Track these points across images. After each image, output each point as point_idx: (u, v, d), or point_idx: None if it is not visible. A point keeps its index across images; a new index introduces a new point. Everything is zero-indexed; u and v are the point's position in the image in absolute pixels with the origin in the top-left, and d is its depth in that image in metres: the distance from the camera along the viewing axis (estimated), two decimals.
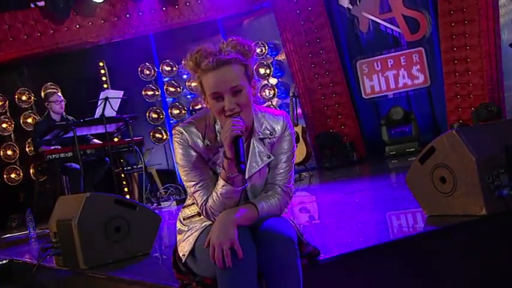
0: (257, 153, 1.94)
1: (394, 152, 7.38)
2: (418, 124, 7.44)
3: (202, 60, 1.85)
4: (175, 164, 8.30)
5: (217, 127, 1.92)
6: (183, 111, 8.25)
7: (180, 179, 8.07)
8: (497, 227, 2.33)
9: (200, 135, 1.92)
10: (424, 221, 2.64)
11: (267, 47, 8.11)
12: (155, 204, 5.97)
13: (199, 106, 8.09)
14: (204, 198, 1.91)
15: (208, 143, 1.91)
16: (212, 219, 1.91)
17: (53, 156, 5.57)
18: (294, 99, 7.13)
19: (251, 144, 1.94)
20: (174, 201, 5.97)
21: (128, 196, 6.84)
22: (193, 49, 1.90)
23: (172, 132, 1.99)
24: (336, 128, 7.85)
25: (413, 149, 7.25)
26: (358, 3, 7.84)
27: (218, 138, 1.91)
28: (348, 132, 7.84)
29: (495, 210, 2.30)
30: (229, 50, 1.85)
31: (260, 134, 1.95)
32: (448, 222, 2.44)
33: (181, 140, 1.92)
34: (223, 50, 1.85)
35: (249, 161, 1.92)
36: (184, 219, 2.05)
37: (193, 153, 1.91)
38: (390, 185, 5.10)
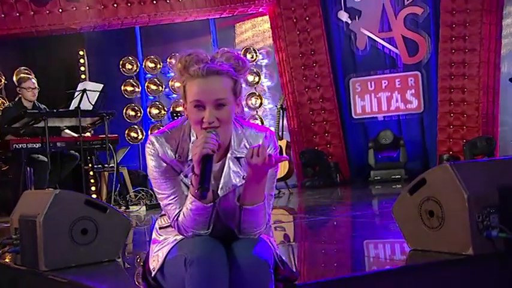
0: (231, 174, 1.92)
1: (379, 177, 7.47)
2: (407, 151, 7.55)
3: (192, 65, 1.84)
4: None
5: (192, 138, 1.92)
6: (163, 112, 8.23)
7: (152, 184, 8.02)
8: (482, 268, 2.37)
9: (172, 146, 1.92)
10: (406, 255, 2.68)
11: (258, 54, 8.16)
12: (123, 208, 5.92)
13: (181, 108, 8.09)
14: (175, 212, 1.91)
15: (180, 155, 1.91)
16: (184, 234, 1.91)
17: (20, 145, 5.50)
18: (281, 111, 7.18)
19: (225, 164, 1.93)
20: (144, 206, 5.92)
21: (94, 196, 6.78)
22: (185, 51, 1.90)
23: (147, 142, 1.97)
24: (322, 146, 7.92)
25: (399, 177, 7.36)
26: (357, 18, 7.95)
27: (191, 151, 1.90)
28: (333, 152, 7.91)
29: (482, 251, 2.33)
30: (222, 60, 1.85)
31: (236, 152, 1.94)
32: (431, 258, 2.47)
33: (152, 151, 1.92)
34: (216, 59, 1.86)
35: (222, 181, 1.92)
36: (160, 228, 2.05)
37: (164, 165, 1.91)
38: (372, 212, 5.15)
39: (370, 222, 4.27)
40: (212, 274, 1.78)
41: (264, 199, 1.88)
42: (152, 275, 1.98)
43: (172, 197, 1.92)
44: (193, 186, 1.84)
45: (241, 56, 1.93)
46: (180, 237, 1.95)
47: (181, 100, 1.95)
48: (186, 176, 1.92)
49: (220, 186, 1.92)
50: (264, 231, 1.97)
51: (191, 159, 1.90)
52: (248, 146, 1.94)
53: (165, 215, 2.04)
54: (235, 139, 1.95)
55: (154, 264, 1.98)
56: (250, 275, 1.80)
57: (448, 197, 2.41)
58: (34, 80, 6.00)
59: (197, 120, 1.85)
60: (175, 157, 1.92)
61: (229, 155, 1.94)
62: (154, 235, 2.07)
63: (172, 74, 8.30)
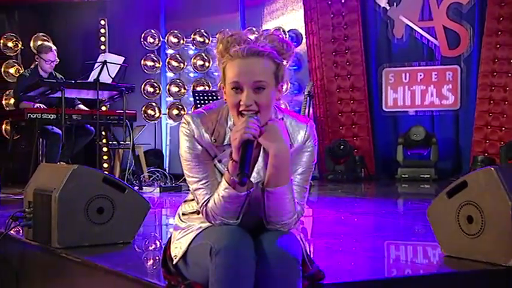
0: (264, 161, 1.92)
1: (406, 176, 7.41)
2: (438, 149, 7.47)
3: (233, 46, 1.84)
4: (164, 146, 8.31)
5: (229, 123, 1.92)
6: (183, 90, 8.25)
7: (167, 165, 8.08)
8: None
9: (208, 128, 1.92)
10: (437, 261, 2.67)
11: (287, 35, 8.10)
12: (136, 188, 5.96)
13: (201, 88, 8.10)
14: (205, 198, 1.91)
15: (216, 138, 1.92)
16: (212, 221, 1.91)
17: (34, 115, 5.55)
18: (308, 98, 7.14)
19: (261, 152, 1.92)
20: (158, 188, 5.96)
21: (106, 173, 6.83)
22: (227, 32, 1.89)
23: (182, 121, 1.97)
24: (348, 138, 7.87)
25: (428, 176, 7.30)
26: (396, 4, 7.85)
27: (227, 135, 1.91)
28: (359, 145, 7.87)
29: None
30: (265, 42, 1.85)
31: None
32: (466, 267, 2.45)
33: (187, 131, 1.92)
34: (258, 40, 1.86)
35: (255, 169, 1.92)
36: (183, 214, 2.06)
37: (199, 147, 1.92)
38: (397, 211, 5.12)
39: (394, 222, 4.24)
40: (238, 266, 1.78)
41: (288, 182, 1.87)
42: (174, 263, 1.99)
43: (204, 181, 1.92)
44: (229, 172, 1.84)
45: (287, 39, 1.91)
46: (205, 224, 1.95)
47: (220, 86, 1.94)
48: (220, 161, 1.93)
49: (254, 174, 1.92)
50: (293, 225, 1.96)
51: (227, 144, 1.90)
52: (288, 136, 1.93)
53: (190, 200, 2.05)
54: None
55: (176, 251, 1.98)
56: (278, 270, 1.81)
57: (491, 203, 2.38)
58: (55, 53, 6.02)
59: (234, 103, 1.85)
60: (211, 140, 1.92)
61: None
62: (176, 221, 2.07)
63: (194, 52, 8.31)
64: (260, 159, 1.94)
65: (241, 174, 1.76)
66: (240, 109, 1.84)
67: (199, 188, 1.92)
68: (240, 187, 1.84)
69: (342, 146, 7.61)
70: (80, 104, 6.11)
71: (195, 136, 1.92)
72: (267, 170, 1.88)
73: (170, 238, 2.08)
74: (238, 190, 1.84)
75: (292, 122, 1.98)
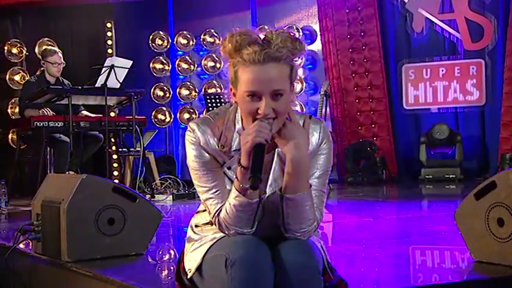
0: (281, 168, 1.91)
1: (430, 176, 7.38)
2: (464, 148, 7.41)
3: (245, 48, 1.81)
4: (176, 152, 8.32)
5: (237, 126, 1.92)
6: (194, 93, 8.26)
7: (179, 171, 8.09)
8: None
9: (215, 134, 1.91)
10: (467, 267, 2.63)
11: (301, 33, 8.10)
12: (148, 196, 5.97)
13: (213, 90, 8.11)
14: (217, 208, 1.90)
15: (223, 144, 1.90)
16: (226, 232, 1.90)
17: (41, 123, 5.58)
18: (324, 97, 7.11)
19: (275, 156, 1.92)
20: (171, 196, 5.97)
21: (116, 181, 6.86)
22: (235, 30, 1.85)
23: (187, 129, 1.96)
24: (367, 139, 7.84)
25: (454, 176, 7.27)
26: None
27: (235, 140, 1.90)
28: (380, 146, 7.83)
29: None
30: (279, 44, 1.81)
31: None
32: (498, 273, 2.42)
33: (193, 139, 1.92)
34: (272, 42, 1.81)
35: (271, 177, 1.91)
36: (196, 226, 2.05)
37: (206, 155, 1.91)
38: (422, 214, 5.08)
39: (419, 226, 4.21)
40: (256, 277, 1.76)
41: (307, 188, 1.85)
42: (188, 276, 1.98)
43: (214, 190, 1.91)
44: (238, 179, 1.83)
45: (297, 36, 1.89)
46: (219, 234, 1.94)
47: (229, 87, 1.92)
48: (229, 168, 1.91)
49: (269, 183, 1.90)
50: (313, 232, 1.95)
51: (235, 150, 1.89)
52: None
53: (202, 211, 2.04)
54: None
55: (190, 264, 1.97)
56: (297, 281, 1.79)
57: None
58: (60, 55, 6.07)
59: (251, 111, 1.83)
60: (218, 147, 1.91)
61: (279, 148, 1.92)
62: (189, 233, 2.06)
63: (204, 53, 8.32)
64: (276, 166, 1.92)
65: (254, 178, 1.73)
66: (258, 117, 1.83)
67: (210, 198, 1.91)
68: (251, 194, 1.82)
69: (369, 147, 7.56)
70: (83, 110, 6.13)
71: (201, 144, 1.91)
72: (285, 174, 1.85)
73: (183, 251, 2.07)
74: (249, 197, 1.82)
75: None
